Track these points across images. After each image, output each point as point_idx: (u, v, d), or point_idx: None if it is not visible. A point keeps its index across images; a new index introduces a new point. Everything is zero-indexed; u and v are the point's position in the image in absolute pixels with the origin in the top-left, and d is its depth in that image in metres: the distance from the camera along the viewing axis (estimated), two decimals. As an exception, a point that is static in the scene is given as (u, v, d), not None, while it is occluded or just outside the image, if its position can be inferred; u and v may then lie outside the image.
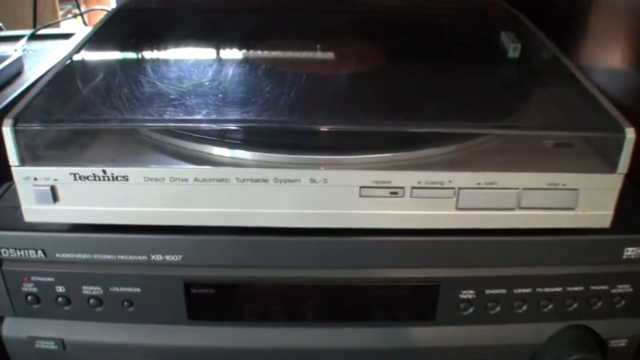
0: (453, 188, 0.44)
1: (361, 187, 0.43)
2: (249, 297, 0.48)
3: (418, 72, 0.51)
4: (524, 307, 0.50)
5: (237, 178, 0.42)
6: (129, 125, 0.43)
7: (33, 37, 0.77)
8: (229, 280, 0.47)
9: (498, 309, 0.50)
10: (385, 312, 0.50)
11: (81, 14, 0.94)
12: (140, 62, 0.52)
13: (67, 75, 0.49)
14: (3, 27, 0.79)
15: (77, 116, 0.44)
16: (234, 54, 0.53)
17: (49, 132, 0.43)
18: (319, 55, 0.52)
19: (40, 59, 0.71)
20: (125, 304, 0.48)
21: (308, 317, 0.49)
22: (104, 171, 0.43)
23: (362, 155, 0.43)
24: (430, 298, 0.49)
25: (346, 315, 0.49)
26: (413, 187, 0.44)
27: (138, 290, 0.47)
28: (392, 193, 0.44)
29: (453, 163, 0.44)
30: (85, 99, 0.46)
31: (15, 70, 0.67)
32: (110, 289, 0.48)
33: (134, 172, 0.43)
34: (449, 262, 0.48)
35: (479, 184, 0.44)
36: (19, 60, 0.68)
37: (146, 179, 0.43)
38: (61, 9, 1.24)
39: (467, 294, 0.49)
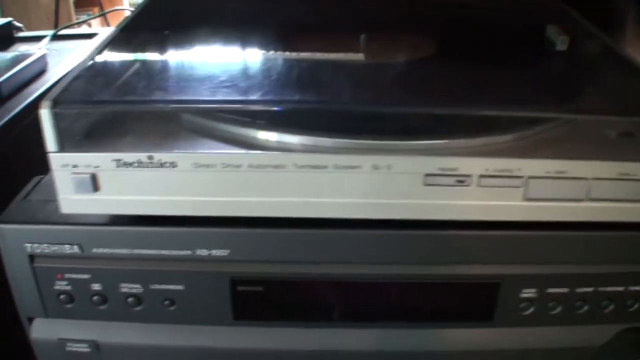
0: (522, 177, 0.39)
1: (426, 174, 0.39)
2: (300, 296, 0.43)
3: (474, 62, 0.47)
4: (585, 308, 0.45)
5: (294, 164, 0.38)
6: (179, 107, 0.38)
7: (54, 37, 0.73)
8: (279, 277, 0.42)
9: (559, 309, 0.45)
10: (440, 312, 0.45)
11: (104, 14, 0.90)
12: (184, 45, 0.47)
13: (106, 58, 0.45)
14: (24, 28, 0.75)
15: (119, 98, 0.39)
16: (283, 39, 0.48)
17: (89, 115, 0.39)
18: (373, 43, 0.48)
19: (63, 58, 0.67)
20: (166, 302, 0.43)
21: (361, 316, 0.44)
22: (150, 157, 0.38)
23: (429, 141, 0.39)
24: (489, 297, 0.44)
25: (400, 315, 0.45)
26: (481, 175, 0.39)
27: (180, 287, 0.43)
28: (458, 181, 0.39)
29: (520, 151, 0.40)
30: (128, 82, 0.41)
31: (39, 69, 0.63)
32: (151, 286, 0.43)
33: (183, 158, 0.38)
34: (511, 258, 0.43)
35: (548, 172, 0.40)
36: (43, 58, 0.64)
37: (196, 165, 0.38)
38: (76, 18, 1.20)
39: (529, 293, 0.44)
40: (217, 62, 0.43)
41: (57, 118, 0.38)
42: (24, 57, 0.61)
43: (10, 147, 0.54)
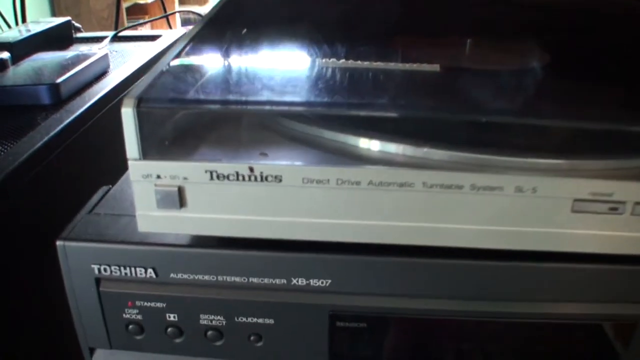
0: (686, 205, 0.31)
1: (575, 199, 0.30)
2: (413, 337, 0.34)
3: (613, 71, 0.38)
4: None
5: (423, 182, 0.29)
6: (291, 109, 0.30)
7: (114, 39, 0.65)
8: (388, 313, 0.34)
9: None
10: (564, 356, 0.36)
11: (167, 16, 0.82)
12: (278, 44, 0.39)
13: (194, 54, 0.36)
14: (82, 29, 0.67)
15: (217, 97, 0.31)
16: (385, 39, 0.40)
17: (179, 118, 0.30)
18: (481, 49, 0.40)
19: (124, 59, 0.59)
20: (253, 338, 0.35)
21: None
22: (251, 169, 0.30)
23: (583, 160, 0.30)
24: (621, 339, 0.35)
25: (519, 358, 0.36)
26: (637, 203, 0.31)
27: (271, 321, 0.34)
28: (611, 209, 0.31)
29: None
30: (224, 80, 0.33)
31: (101, 69, 0.55)
32: (236, 319, 0.34)
33: (291, 172, 0.30)
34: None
35: None
36: (105, 58, 0.56)
37: (305, 180, 0.30)
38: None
39: (667, 337, 0.35)
40: (320, 62, 0.35)
41: (141, 119, 0.30)
42: (85, 57, 0.53)
43: (70, 153, 0.46)
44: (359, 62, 0.35)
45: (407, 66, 0.35)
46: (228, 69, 0.35)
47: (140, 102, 0.30)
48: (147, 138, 0.30)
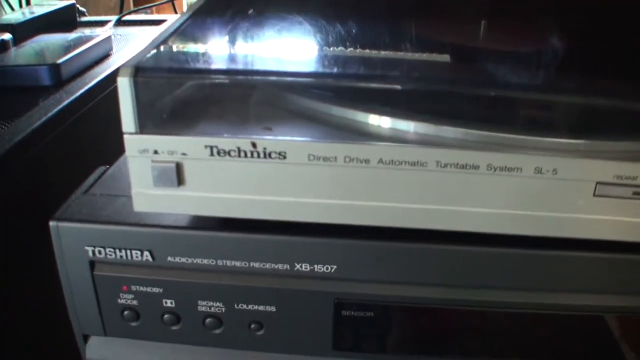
0: None
1: (598, 182, 0.28)
2: (421, 326, 0.32)
3: (620, 48, 0.36)
4: None
5: (437, 162, 0.27)
6: (298, 80, 0.28)
7: (119, 23, 0.63)
8: (395, 302, 0.31)
9: None
10: (582, 351, 0.34)
11: (172, 0, 0.80)
12: (283, 17, 0.37)
13: (197, 25, 0.34)
14: (87, 13, 0.66)
15: (219, 67, 0.29)
16: (397, 16, 0.38)
17: (178, 89, 0.28)
18: (498, 29, 0.37)
19: (128, 43, 0.57)
20: (254, 326, 0.33)
21: (492, 352, 0.33)
22: (253, 144, 0.28)
23: (607, 141, 0.28)
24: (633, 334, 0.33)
25: (545, 353, 0.34)
26: (664, 187, 0.28)
27: (272, 309, 0.32)
28: (635, 193, 0.28)
29: None
30: (227, 50, 0.31)
31: (104, 52, 0.53)
32: (236, 306, 0.32)
33: (296, 148, 0.27)
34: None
35: None
36: (108, 40, 0.54)
37: (311, 157, 0.28)
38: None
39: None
40: (330, 38, 0.33)
41: (139, 89, 0.27)
42: (88, 38, 0.51)
43: (68, 135, 0.44)
44: (369, 41, 0.33)
45: (421, 46, 0.33)
46: (231, 41, 0.32)
47: (137, 72, 0.28)
48: (144, 110, 0.28)
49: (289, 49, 0.32)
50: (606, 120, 0.28)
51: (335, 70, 0.28)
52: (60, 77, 0.47)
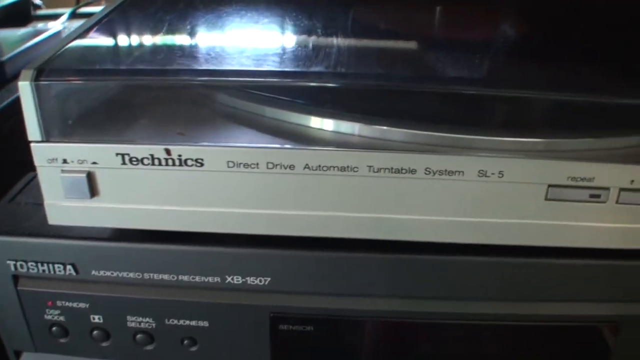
0: (680, 192, 0.25)
1: (550, 185, 0.25)
2: (363, 340, 0.29)
3: (593, 40, 0.32)
4: None
5: (369, 166, 0.24)
6: (211, 80, 0.24)
7: (74, 15, 0.59)
8: (335, 315, 0.28)
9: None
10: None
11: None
12: (210, 12, 0.33)
13: (114, 23, 0.31)
14: (43, 6, 0.61)
15: (129, 67, 0.25)
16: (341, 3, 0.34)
17: (87, 92, 0.25)
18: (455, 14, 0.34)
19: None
20: (186, 342, 0.29)
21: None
22: (167, 151, 0.24)
23: (558, 139, 0.24)
24: (603, 343, 0.30)
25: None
26: (622, 189, 0.25)
27: (205, 324, 0.29)
28: (592, 196, 0.25)
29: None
30: (140, 49, 0.27)
31: (54, 46, 0.49)
32: (167, 321, 0.29)
33: (213, 154, 0.24)
34: (634, 294, 0.29)
35: None
36: (58, 35, 0.50)
37: (231, 164, 0.24)
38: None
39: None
40: (254, 31, 0.29)
41: (41, 94, 0.24)
42: (37, 33, 0.47)
43: (10, 135, 0.40)
44: (299, 32, 0.29)
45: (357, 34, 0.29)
46: (148, 39, 0.29)
47: (39, 74, 0.24)
48: (49, 116, 0.25)
49: (211, 45, 0.28)
50: (557, 117, 0.25)
51: (255, 67, 0.25)
52: (4, 75, 0.43)
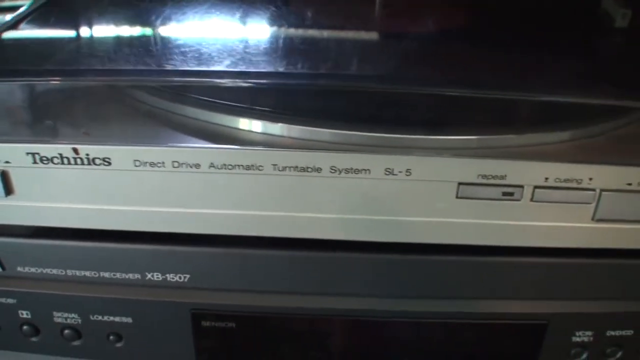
0: (593, 189, 0.24)
1: (460, 183, 0.24)
2: (283, 334, 0.29)
3: (517, 39, 0.31)
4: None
5: (274, 165, 0.23)
6: (115, 79, 0.24)
7: None
8: (255, 311, 0.28)
9: (619, 355, 0.30)
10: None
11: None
12: (136, 8, 0.32)
13: (33, 20, 0.30)
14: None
15: (39, 67, 0.25)
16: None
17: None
18: (389, 9, 0.33)
19: None
20: (112, 338, 0.29)
21: (365, 364, 0.29)
22: (75, 150, 0.24)
23: (466, 136, 0.24)
24: (532, 341, 0.29)
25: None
26: (537, 187, 0.24)
27: (129, 320, 0.28)
28: (505, 194, 0.24)
29: (588, 153, 0.25)
30: (56, 48, 0.27)
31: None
32: (92, 317, 0.29)
33: (120, 153, 0.23)
34: (562, 293, 0.29)
35: (629, 184, 0.24)
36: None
37: (138, 163, 0.24)
38: None
39: (583, 336, 0.29)
40: (165, 29, 0.28)
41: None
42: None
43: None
44: (222, 29, 0.28)
45: (284, 24, 0.29)
46: (54, 42, 0.28)
47: (-52, 72, 0.23)
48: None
49: (117, 44, 0.28)
50: (466, 112, 0.24)
51: (165, 65, 0.24)
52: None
